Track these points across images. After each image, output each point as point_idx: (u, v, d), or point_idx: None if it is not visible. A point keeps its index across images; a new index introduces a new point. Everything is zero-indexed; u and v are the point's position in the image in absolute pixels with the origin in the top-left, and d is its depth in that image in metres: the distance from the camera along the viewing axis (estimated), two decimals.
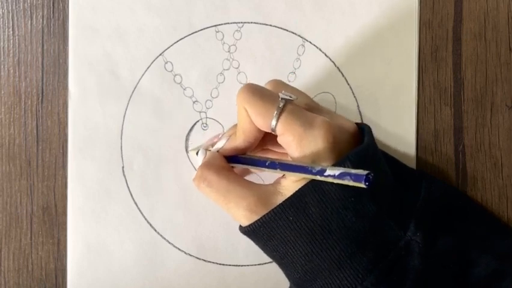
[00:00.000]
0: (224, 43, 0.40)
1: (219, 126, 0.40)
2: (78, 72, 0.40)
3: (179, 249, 0.40)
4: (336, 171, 0.30)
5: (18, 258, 0.40)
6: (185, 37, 0.40)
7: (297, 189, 0.32)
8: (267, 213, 0.33)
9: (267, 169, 0.34)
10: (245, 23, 0.40)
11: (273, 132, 0.33)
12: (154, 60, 0.40)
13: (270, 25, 0.40)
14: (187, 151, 0.40)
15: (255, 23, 0.40)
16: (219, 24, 0.40)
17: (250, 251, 0.40)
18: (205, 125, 0.40)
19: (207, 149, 0.37)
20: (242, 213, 0.33)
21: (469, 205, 0.40)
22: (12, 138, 0.40)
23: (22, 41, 0.40)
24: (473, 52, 0.41)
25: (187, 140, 0.40)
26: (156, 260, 0.40)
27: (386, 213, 0.33)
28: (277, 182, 0.34)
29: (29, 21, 0.40)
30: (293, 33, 0.40)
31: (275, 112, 0.32)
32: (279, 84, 0.36)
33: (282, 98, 0.33)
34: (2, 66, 0.40)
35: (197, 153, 0.38)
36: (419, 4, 0.41)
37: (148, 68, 0.40)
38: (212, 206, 0.40)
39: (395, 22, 0.40)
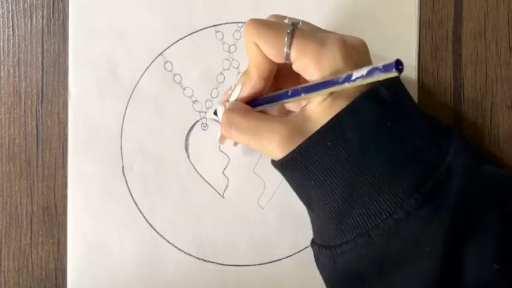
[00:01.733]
0: (224, 43, 0.40)
1: (219, 126, 0.40)
2: (78, 72, 0.40)
3: (179, 249, 0.40)
4: (364, 71, 0.28)
5: (18, 258, 0.40)
6: (185, 37, 0.40)
7: (324, 109, 0.32)
8: (304, 141, 0.32)
9: (291, 99, 0.33)
10: (245, 23, 0.40)
11: (287, 61, 0.33)
12: (153, 60, 0.40)
13: None
14: (187, 151, 0.40)
15: None
16: (219, 24, 0.40)
17: (250, 251, 0.40)
18: (205, 125, 0.40)
19: (224, 103, 0.37)
20: (277, 146, 0.33)
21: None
22: (12, 138, 0.40)
23: (22, 41, 0.40)
24: (473, 52, 0.41)
25: (187, 140, 0.40)
26: (156, 260, 0.40)
27: (424, 137, 0.33)
28: (302, 109, 0.34)
29: (29, 21, 0.40)
30: None
31: (286, 38, 0.32)
32: (280, 15, 0.36)
33: (289, 24, 0.33)
34: (2, 66, 0.40)
35: (214, 113, 0.37)
36: (419, 4, 0.41)
37: (147, 67, 0.40)
38: (212, 206, 0.40)
39: (395, 22, 0.40)
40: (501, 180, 0.34)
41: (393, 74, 0.27)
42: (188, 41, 0.40)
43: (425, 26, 0.41)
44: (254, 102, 0.36)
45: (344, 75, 0.29)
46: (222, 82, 0.40)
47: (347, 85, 0.29)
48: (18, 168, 0.40)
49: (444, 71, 0.41)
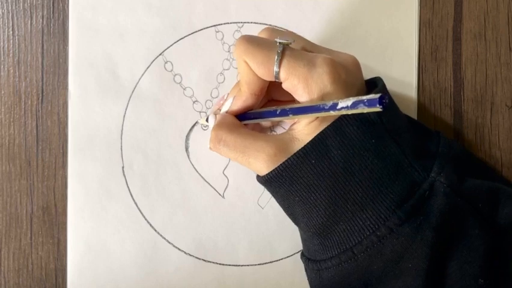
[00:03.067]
0: (224, 43, 0.40)
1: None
2: (78, 72, 0.40)
3: (179, 249, 0.40)
4: (349, 102, 0.29)
5: (18, 258, 0.40)
6: (185, 37, 0.40)
7: (311, 130, 0.32)
8: (289, 158, 0.32)
9: (278, 118, 0.34)
10: (245, 23, 0.40)
11: (277, 80, 0.33)
12: (154, 60, 0.40)
13: (270, 25, 0.40)
14: (187, 151, 0.40)
15: (255, 23, 0.40)
16: (219, 24, 0.40)
17: (250, 251, 0.40)
18: (205, 125, 0.40)
19: (215, 114, 0.37)
20: (263, 164, 0.33)
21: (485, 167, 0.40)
22: (12, 138, 0.40)
23: (22, 41, 0.40)
24: (473, 52, 0.41)
25: (187, 140, 0.40)
26: (156, 260, 0.40)
27: (408, 155, 0.33)
28: (290, 129, 0.34)
29: (29, 21, 0.40)
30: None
31: (275, 58, 0.32)
32: (273, 31, 0.36)
33: (279, 43, 0.33)
34: (2, 66, 0.40)
35: (207, 120, 0.38)
36: (419, 4, 0.41)
37: (148, 68, 0.40)
38: (212, 206, 0.40)
39: (395, 22, 0.40)
40: (485, 194, 0.34)
41: (377, 109, 0.27)
42: (188, 41, 0.40)
43: (425, 26, 0.41)
44: (244, 116, 0.36)
45: (330, 103, 0.30)
46: (222, 82, 0.40)
47: (332, 113, 0.30)
48: (18, 168, 0.40)
49: (444, 71, 0.41)
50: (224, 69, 0.40)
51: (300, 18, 0.40)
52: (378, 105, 0.27)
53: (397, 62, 0.40)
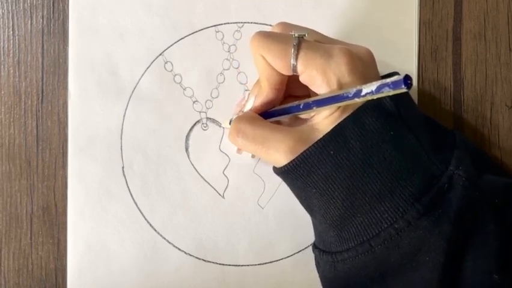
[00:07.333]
0: (224, 43, 0.40)
1: (219, 126, 0.40)
2: (78, 72, 0.40)
3: (179, 249, 0.40)
4: (373, 87, 0.28)
5: (18, 258, 0.40)
6: (185, 37, 0.40)
7: (331, 121, 0.32)
8: (308, 149, 0.32)
9: (302, 112, 0.33)
10: (245, 23, 0.40)
11: (294, 73, 0.33)
12: (154, 60, 0.40)
13: (270, 25, 0.40)
14: (187, 151, 0.40)
15: (255, 23, 0.40)
16: (219, 24, 0.40)
17: (250, 251, 0.40)
18: (205, 125, 0.40)
19: (238, 115, 0.37)
20: (283, 155, 0.33)
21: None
22: (12, 138, 0.40)
23: (22, 41, 0.40)
24: (473, 52, 0.41)
25: (187, 140, 0.40)
26: (156, 260, 0.40)
27: (426, 148, 0.33)
28: (309, 120, 0.34)
29: (29, 21, 0.40)
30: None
31: (292, 51, 0.32)
32: (287, 25, 0.36)
33: (294, 36, 0.33)
34: (2, 66, 0.40)
35: (230, 123, 0.38)
36: (419, 4, 0.41)
37: (148, 68, 0.40)
38: (212, 206, 0.40)
39: (395, 22, 0.40)
40: (502, 189, 0.34)
41: (402, 90, 0.27)
42: (188, 41, 0.40)
43: (425, 26, 0.41)
44: (267, 114, 0.36)
45: (353, 91, 0.30)
46: (222, 82, 0.40)
47: (357, 100, 0.30)
48: (18, 168, 0.40)
49: (444, 71, 0.41)
50: (224, 69, 0.40)
51: (300, 18, 0.40)
52: (403, 86, 0.27)
53: (397, 62, 0.40)
